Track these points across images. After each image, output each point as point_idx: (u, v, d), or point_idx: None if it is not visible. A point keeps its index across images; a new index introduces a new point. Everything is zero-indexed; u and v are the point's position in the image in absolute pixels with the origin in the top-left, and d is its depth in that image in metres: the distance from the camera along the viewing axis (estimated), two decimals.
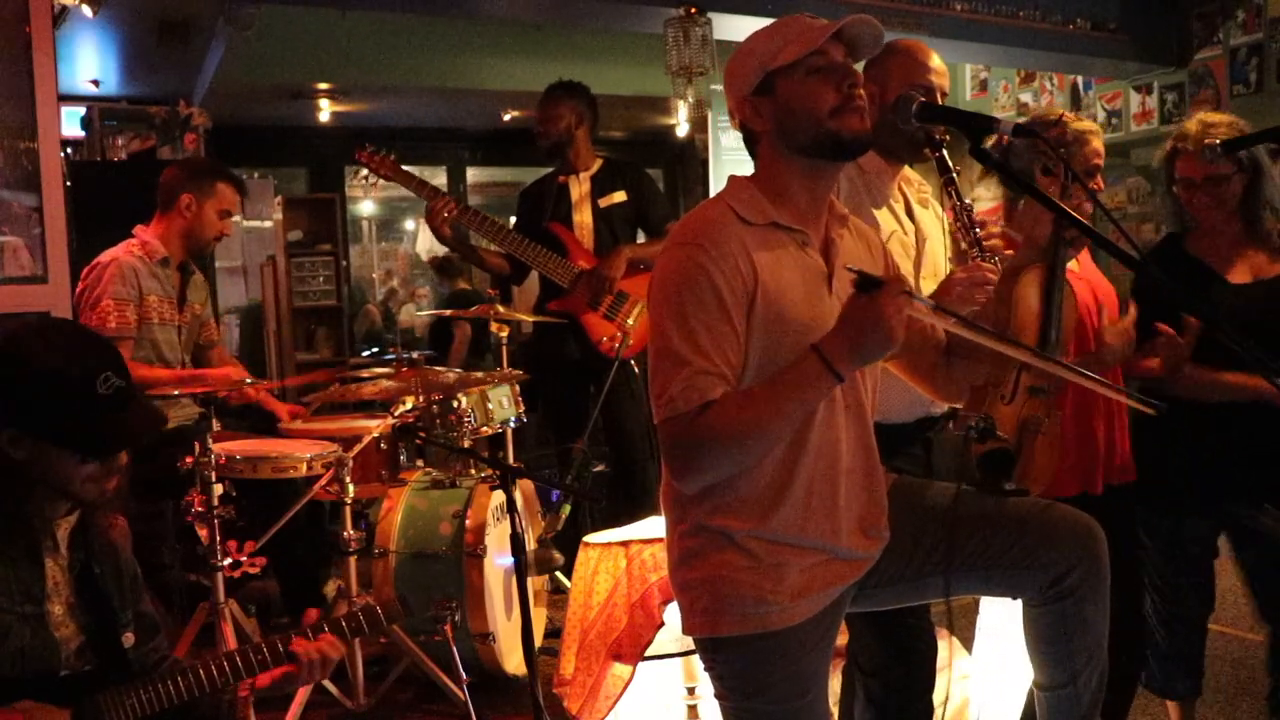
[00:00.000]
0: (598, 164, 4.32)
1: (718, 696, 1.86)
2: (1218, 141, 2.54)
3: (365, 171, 4.14)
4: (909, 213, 2.30)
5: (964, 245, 2.12)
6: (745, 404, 1.66)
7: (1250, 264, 2.65)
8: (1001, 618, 2.85)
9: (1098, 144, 2.61)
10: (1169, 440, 2.61)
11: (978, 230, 2.12)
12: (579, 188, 4.27)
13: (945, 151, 2.17)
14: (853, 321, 1.60)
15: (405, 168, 4.18)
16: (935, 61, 2.24)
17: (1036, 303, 2.09)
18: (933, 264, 2.30)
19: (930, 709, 2.27)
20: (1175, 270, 2.65)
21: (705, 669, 1.86)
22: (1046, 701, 1.96)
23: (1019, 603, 1.96)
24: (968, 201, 2.15)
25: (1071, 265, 2.60)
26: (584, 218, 4.24)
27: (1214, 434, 2.57)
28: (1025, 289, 2.07)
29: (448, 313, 6.86)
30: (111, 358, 1.82)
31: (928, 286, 2.25)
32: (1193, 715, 2.83)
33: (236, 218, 8.46)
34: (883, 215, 2.24)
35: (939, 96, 2.20)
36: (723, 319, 1.68)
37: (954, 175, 2.16)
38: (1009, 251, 2.25)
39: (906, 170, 2.34)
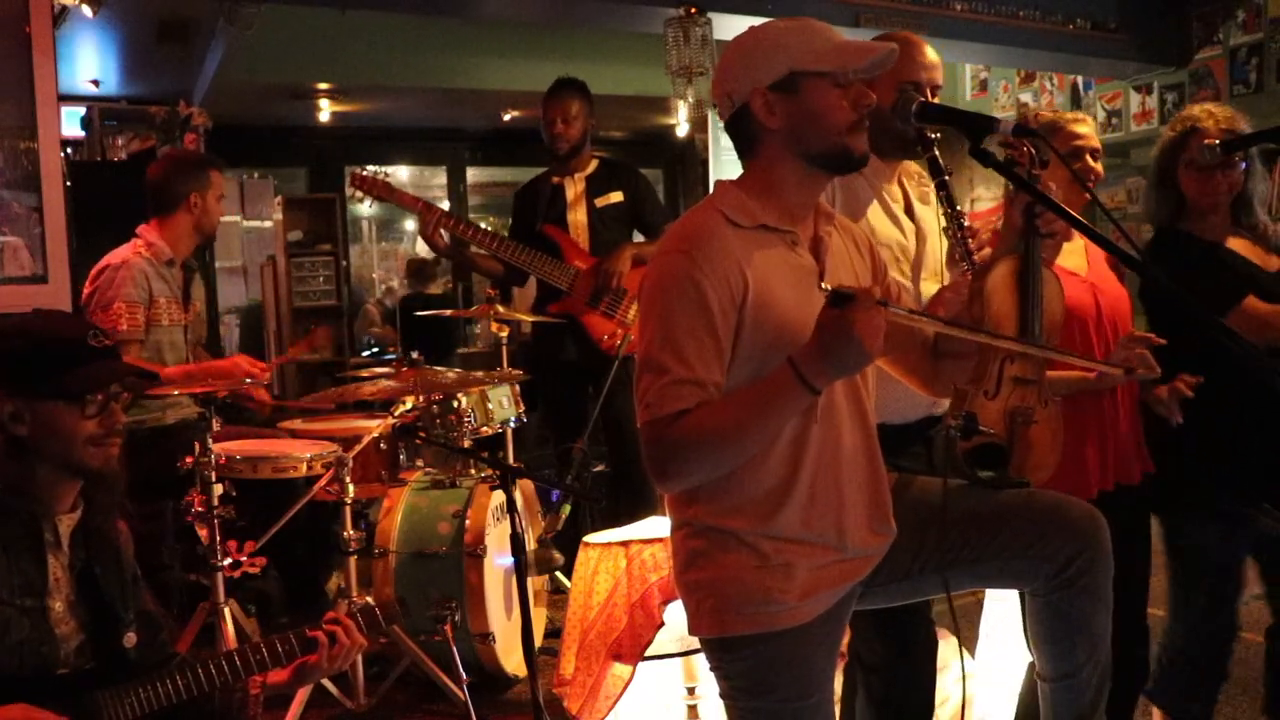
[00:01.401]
0: (594, 164, 4.31)
1: (723, 697, 1.86)
2: (1218, 142, 2.53)
3: (360, 194, 4.15)
4: (909, 211, 2.29)
5: (956, 255, 2.11)
6: (720, 411, 1.67)
7: (1253, 255, 2.63)
8: (1004, 618, 2.85)
9: (1079, 128, 2.57)
10: (1182, 444, 2.60)
11: (969, 241, 2.10)
12: (574, 188, 4.26)
13: (937, 152, 2.15)
14: (825, 336, 1.57)
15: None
16: (929, 56, 2.21)
17: (1008, 299, 2.07)
18: (934, 263, 2.28)
19: (930, 705, 2.27)
20: (1191, 254, 2.61)
21: (712, 669, 1.85)
22: (1050, 693, 1.96)
23: (1017, 603, 1.97)
24: (960, 208, 2.13)
25: (1077, 269, 2.59)
26: (579, 217, 4.23)
27: (1224, 435, 2.55)
28: (995, 283, 2.04)
29: (447, 313, 6.88)
30: (100, 328, 1.96)
31: (928, 287, 2.24)
32: None
33: (236, 217, 8.55)
34: (878, 217, 2.22)
35: (929, 92, 2.17)
36: (707, 329, 1.69)
37: (946, 179, 2.13)
38: None
39: (909, 165, 2.33)
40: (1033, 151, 1.97)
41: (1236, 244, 2.64)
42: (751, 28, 1.84)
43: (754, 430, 1.66)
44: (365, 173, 4.18)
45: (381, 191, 4.14)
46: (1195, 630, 2.68)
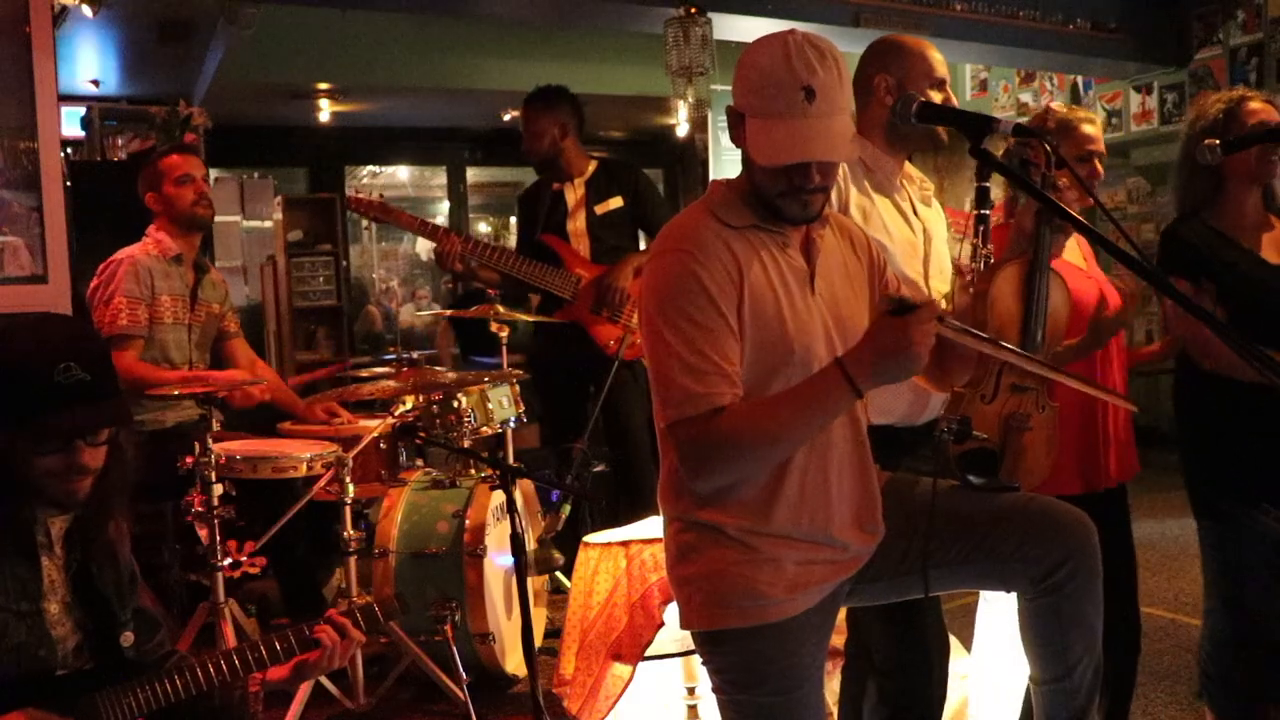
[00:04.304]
0: (592, 167, 4.29)
1: (714, 691, 1.87)
2: (1218, 142, 2.53)
3: (362, 218, 4.17)
4: (914, 211, 2.30)
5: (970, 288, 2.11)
6: (763, 410, 1.68)
7: (1274, 242, 2.61)
8: (1001, 618, 2.85)
9: (1090, 130, 2.57)
10: (1201, 444, 2.59)
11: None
12: (574, 194, 4.25)
13: (990, 184, 2.14)
14: (881, 343, 1.60)
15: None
16: (936, 52, 2.25)
17: (1013, 301, 2.07)
18: (939, 263, 2.30)
19: (941, 703, 2.27)
20: (1211, 242, 2.57)
21: (703, 663, 1.87)
22: (1043, 696, 1.96)
23: (1014, 600, 1.97)
24: (990, 247, 2.14)
25: (1079, 263, 2.59)
26: (579, 225, 4.22)
27: (1238, 435, 2.52)
28: (1001, 286, 2.05)
29: (448, 313, 6.86)
30: (86, 353, 1.79)
31: (936, 285, 2.25)
32: None
33: (236, 217, 8.52)
34: (892, 216, 2.23)
35: (948, 89, 2.21)
36: (717, 319, 1.70)
37: (988, 213, 2.15)
38: None
39: (907, 168, 2.34)
40: (1049, 152, 1.98)
41: (1273, 236, 2.62)
42: (757, 41, 1.80)
43: (798, 429, 1.68)
44: (360, 194, 4.18)
45: (378, 213, 4.14)
46: (1220, 630, 2.65)
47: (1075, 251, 2.59)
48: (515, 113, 8.24)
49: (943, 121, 2.11)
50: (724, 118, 1.88)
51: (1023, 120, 2.41)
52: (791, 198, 1.75)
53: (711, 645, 1.82)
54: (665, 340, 1.71)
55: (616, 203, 4.25)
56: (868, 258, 1.97)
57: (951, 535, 1.90)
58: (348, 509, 3.24)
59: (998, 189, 2.48)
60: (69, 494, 1.79)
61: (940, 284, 2.28)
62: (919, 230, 2.27)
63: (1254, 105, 2.57)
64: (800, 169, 1.72)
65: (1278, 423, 2.46)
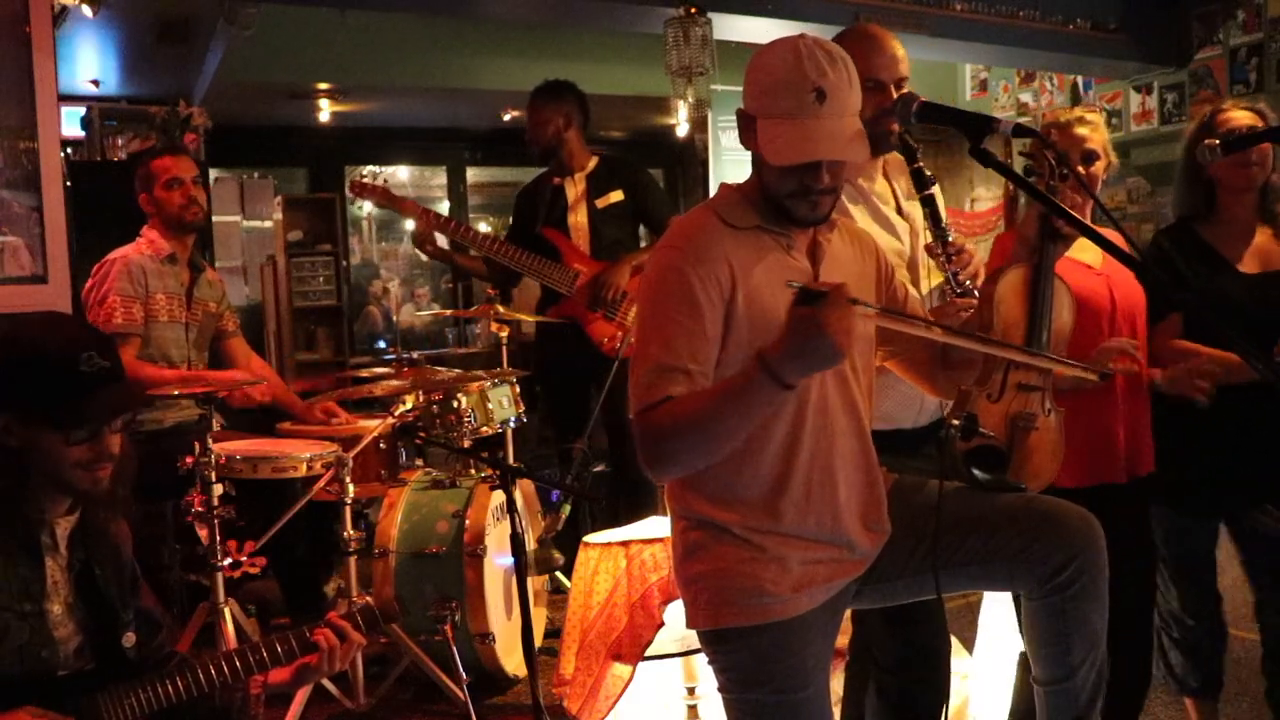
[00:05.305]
0: (593, 163, 4.29)
1: (720, 690, 1.88)
2: (1218, 142, 2.53)
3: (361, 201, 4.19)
4: (899, 210, 2.29)
5: (945, 282, 2.10)
6: (699, 400, 1.69)
7: (1260, 254, 2.63)
8: (1001, 618, 2.85)
9: (1083, 130, 2.54)
10: (1175, 436, 2.60)
11: (954, 259, 2.08)
12: (574, 189, 4.25)
13: (922, 164, 2.10)
14: (795, 333, 1.57)
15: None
16: (890, 49, 2.18)
17: (1017, 305, 2.07)
18: (929, 261, 2.28)
19: (942, 700, 2.27)
20: (1188, 253, 2.62)
21: (709, 662, 1.88)
22: (1045, 696, 1.97)
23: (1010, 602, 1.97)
24: (946, 224, 2.11)
25: (1092, 262, 2.58)
26: (580, 219, 4.22)
27: (1218, 431, 2.55)
28: (1005, 290, 2.05)
29: (448, 313, 6.86)
30: (99, 342, 1.84)
31: (926, 288, 2.24)
32: (1215, 713, 2.80)
33: (236, 217, 8.50)
34: (870, 226, 2.21)
35: (893, 89, 2.15)
36: (694, 319, 1.72)
37: (932, 193, 2.12)
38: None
39: (895, 158, 2.32)
40: (1053, 162, 1.98)
41: (1261, 235, 2.65)
42: (768, 45, 1.81)
43: (729, 421, 1.66)
44: (365, 179, 4.20)
45: (380, 197, 4.16)
46: (1189, 613, 2.71)
47: (1090, 250, 2.57)
48: (515, 113, 8.28)
49: (943, 121, 2.10)
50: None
51: (1024, 120, 2.39)
52: (801, 198, 1.78)
53: (716, 643, 1.83)
54: (642, 332, 1.77)
55: (617, 196, 4.25)
56: (875, 264, 1.98)
57: (959, 535, 1.91)
58: (348, 509, 3.24)
59: (996, 189, 2.48)
60: (95, 482, 1.81)
61: (927, 283, 2.26)
62: (904, 232, 2.25)
63: (1224, 115, 2.62)
64: (811, 169, 1.75)
65: (1251, 421, 2.49)
